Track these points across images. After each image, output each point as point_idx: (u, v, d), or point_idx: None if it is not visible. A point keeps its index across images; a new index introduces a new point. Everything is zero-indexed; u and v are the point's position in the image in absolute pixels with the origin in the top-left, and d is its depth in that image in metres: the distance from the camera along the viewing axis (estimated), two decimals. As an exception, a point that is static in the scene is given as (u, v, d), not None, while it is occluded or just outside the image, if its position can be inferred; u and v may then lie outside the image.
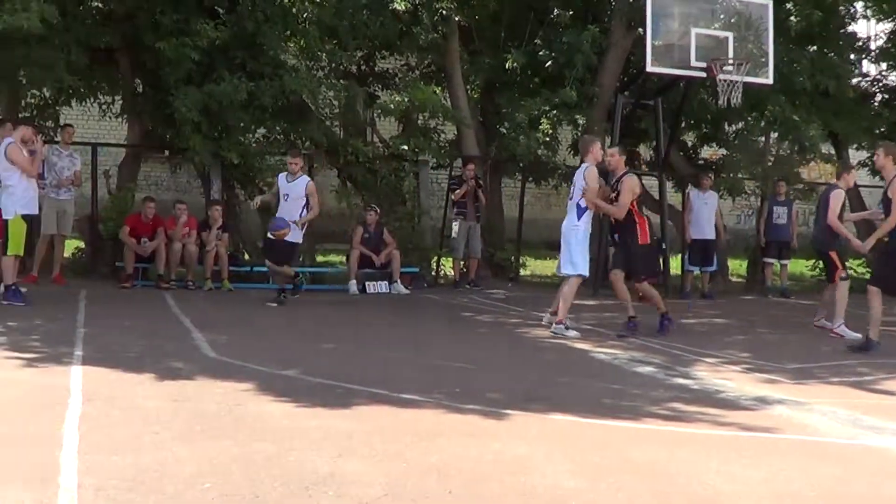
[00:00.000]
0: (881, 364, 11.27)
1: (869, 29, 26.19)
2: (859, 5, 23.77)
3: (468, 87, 21.34)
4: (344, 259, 19.26)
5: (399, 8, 18.54)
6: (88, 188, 18.61)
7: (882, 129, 22.75)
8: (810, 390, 9.65)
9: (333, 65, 19.58)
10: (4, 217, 13.63)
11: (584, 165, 13.25)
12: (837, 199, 13.65)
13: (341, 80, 19.34)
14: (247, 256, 18.55)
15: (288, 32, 18.50)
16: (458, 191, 19.06)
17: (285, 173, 15.10)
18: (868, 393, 9.74)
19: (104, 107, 21.07)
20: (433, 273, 19.67)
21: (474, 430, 7.23)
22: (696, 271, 18.82)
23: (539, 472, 6.15)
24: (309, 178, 15.39)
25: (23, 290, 13.78)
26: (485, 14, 21.38)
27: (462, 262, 19.26)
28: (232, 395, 8.09)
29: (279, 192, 14.97)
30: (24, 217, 13.58)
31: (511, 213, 22.27)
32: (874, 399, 9.46)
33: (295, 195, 14.82)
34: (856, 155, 24.84)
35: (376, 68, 21.91)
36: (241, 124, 17.74)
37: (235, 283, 17.11)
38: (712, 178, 20.67)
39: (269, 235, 15.06)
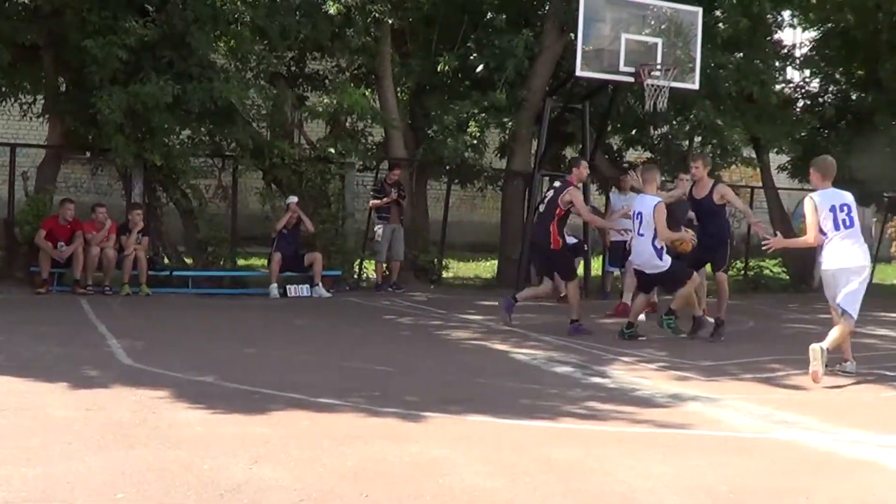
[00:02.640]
0: (792, 360, 11.42)
1: (794, 37, 26.68)
2: (786, 14, 24.15)
3: (398, 89, 21.33)
4: (266, 262, 19.15)
5: (332, 11, 18.44)
6: (5, 190, 18.36)
7: (802, 134, 23.12)
8: (723, 387, 9.82)
9: (263, 66, 19.46)
10: None
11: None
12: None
13: (270, 84, 19.26)
14: (166, 260, 18.40)
15: (218, 32, 18.33)
16: (376, 201, 19.12)
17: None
18: (779, 388, 9.95)
19: (25, 106, 20.77)
20: (356, 276, 19.64)
21: (392, 432, 7.22)
22: (617, 272, 18.84)
23: (457, 474, 6.16)
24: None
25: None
26: (418, 17, 21.38)
27: (385, 265, 19.25)
28: (147, 402, 8.01)
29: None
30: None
31: (436, 215, 22.28)
32: (785, 394, 9.64)
33: None
34: (776, 159, 25.22)
35: (306, 69, 21.79)
36: (166, 126, 17.51)
37: (154, 287, 16.97)
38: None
39: None
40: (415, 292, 18.70)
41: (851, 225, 10.80)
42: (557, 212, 13.63)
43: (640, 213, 13.01)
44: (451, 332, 13.46)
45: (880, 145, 22.56)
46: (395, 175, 19.29)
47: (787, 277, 24.43)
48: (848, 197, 10.98)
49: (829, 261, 10.79)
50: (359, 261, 19.86)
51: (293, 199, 18.02)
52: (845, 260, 10.73)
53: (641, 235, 12.98)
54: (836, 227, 10.74)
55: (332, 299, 17.25)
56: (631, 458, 6.67)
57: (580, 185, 14.85)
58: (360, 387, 8.92)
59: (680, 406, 8.69)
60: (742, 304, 15.31)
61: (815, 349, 10.13)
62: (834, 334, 10.53)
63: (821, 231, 10.82)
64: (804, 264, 23.86)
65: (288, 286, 17.47)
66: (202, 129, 18.77)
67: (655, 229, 12.86)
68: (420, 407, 8.08)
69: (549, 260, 14.34)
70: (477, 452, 6.73)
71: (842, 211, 10.80)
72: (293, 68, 21.36)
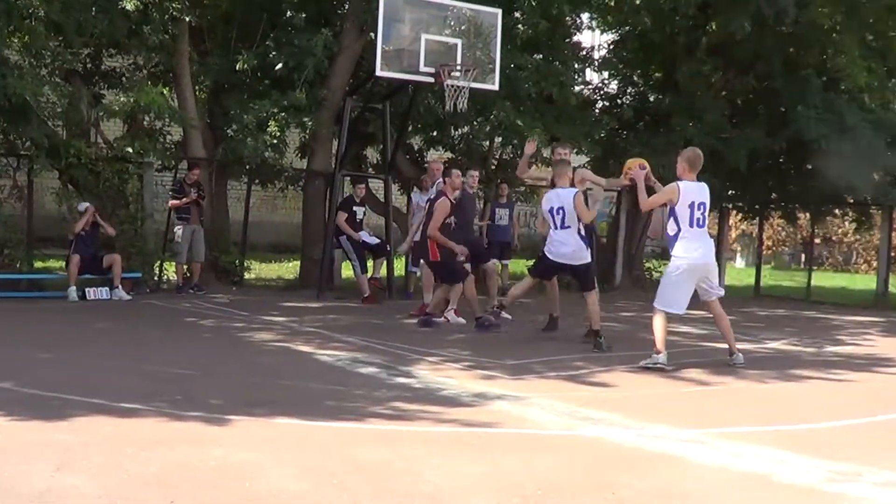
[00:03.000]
0: (596, 358, 11.77)
1: (593, 39, 27.23)
2: (585, 16, 24.67)
3: (196, 88, 21.06)
4: (63, 264, 18.69)
5: (129, 7, 18.06)
6: None
7: (601, 135, 23.59)
8: (529, 385, 9.96)
9: (58, 62, 18.97)
10: None
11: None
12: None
13: (65, 81, 18.82)
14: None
15: (11, 27, 17.72)
16: (175, 201, 18.90)
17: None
18: (584, 385, 10.17)
19: None
20: (156, 278, 19.33)
21: (197, 437, 7.14)
22: (420, 272, 18.95)
23: (263, 477, 6.12)
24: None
25: None
26: (216, 14, 21.15)
27: (185, 267, 19.02)
28: (-59, 411, 7.76)
29: None
30: None
31: (237, 215, 22.10)
32: (589, 391, 9.86)
33: None
34: (575, 159, 25.65)
35: (103, 67, 21.31)
36: (-43, 124, 16.98)
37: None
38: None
39: None
40: (216, 294, 18.53)
41: (703, 225, 11.40)
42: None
43: (560, 209, 13.04)
44: (254, 334, 13.35)
45: (677, 147, 23.17)
46: (194, 175, 19.08)
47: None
48: (707, 196, 11.51)
49: (697, 253, 11.35)
50: (159, 262, 19.54)
51: (86, 205, 17.58)
52: (706, 256, 11.48)
53: (567, 227, 13.01)
54: (691, 224, 11.29)
55: (133, 302, 16.94)
56: (438, 458, 6.73)
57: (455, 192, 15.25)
58: (162, 391, 8.79)
59: (486, 405, 8.79)
60: (544, 304, 15.46)
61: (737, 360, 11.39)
62: (723, 321, 11.60)
63: (675, 221, 11.31)
64: (605, 264, 24.41)
65: (87, 289, 17.08)
66: (-5, 126, 18.22)
67: (579, 219, 13.05)
68: (224, 410, 8.01)
69: (435, 269, 15.07)
70: (283, 455, 6.71)
71: (699, 209, 11.33)
72: (89, 65, 20.89)
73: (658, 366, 11.13)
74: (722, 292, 11.81)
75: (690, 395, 9.97)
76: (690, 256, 11.28)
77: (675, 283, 11.39)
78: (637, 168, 12.46)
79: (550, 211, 12.89)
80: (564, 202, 13.01)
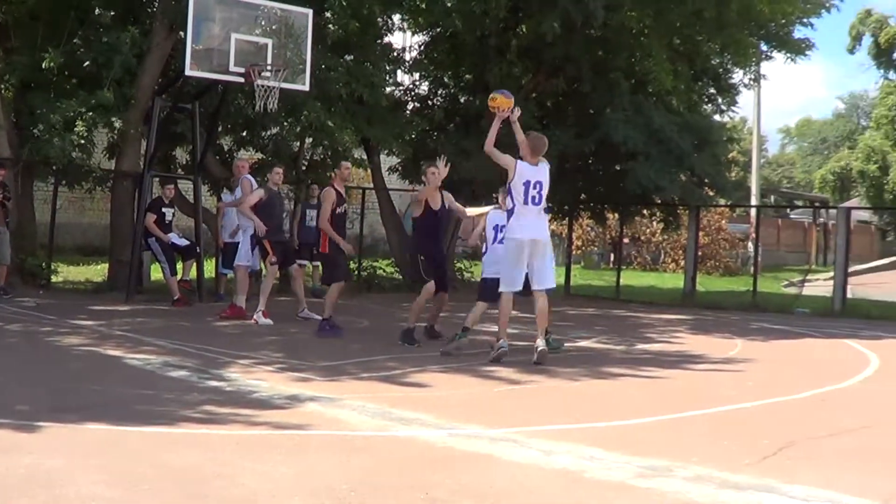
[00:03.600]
0: (408, 358, 11.88)
1: (404, 40, 27.37)
2: (396, 17, 24.77)
3: (2, 86, 20.54)
4: None
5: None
6: None
7: (413, 136, 23.70)
8: (341, 386, 10.02)
9: None
10: None
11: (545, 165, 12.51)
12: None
13: None
14: None
15: None
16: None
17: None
18: (396, 386, 10.26)
19: None
20: (-41, 283, 18.81)
21: (4, 444, 6.97)
22: (230, 274, 18.79)
23: (73, 484, 6.02)
24: None
25: None
26: (22, 11, 20.62)
27: (-10, 270, 18.52)
28: None
29: None
30: None
31: (44, 217, 21.63)
32: (402, 392, 9.95)
33: None
34: (386, 160, 25.80)
35: None
36: None
37: None
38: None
39: None
40: (23, 298, 18.04)
41: (539, 203, 11.90)
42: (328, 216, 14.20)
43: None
44: (62, 339, 13.11)
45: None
46: (-1, 175, 18.62)
47: (401, 277, 24.99)
48: (544, 176, 12.00)
49: (521, 231, 11.84)
50: (-37, 266, 19.01)
51: None
52: (537, 232, 11.96)
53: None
54: (525, 202, 11.80)
55: (-66, 307, 16.48)
56: (251, 461, 6.71)
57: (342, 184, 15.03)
58: (-33, 398, 8.59)
59: (298, 407, 8.81)
60: (356, 304, 15.55)
61: (541, 349, 11.76)
62: (543, 320, 12.07)
63: (510, 197, 11.85)
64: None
65: None
66: None
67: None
68: (32, 416, 7.84)
69: (321, 260, 15.30)
70: (93, 461, 6.61)
71: (535, 188, 11.82)
72: None
73: (501, 349, 11.79)
74: (552, 286, 12.09)
75: (502, 395, 10.11)
76: (522, 233, 11.82)
77: (511, 262, 11.91)
78: (507, 110, 12.31)
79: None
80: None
